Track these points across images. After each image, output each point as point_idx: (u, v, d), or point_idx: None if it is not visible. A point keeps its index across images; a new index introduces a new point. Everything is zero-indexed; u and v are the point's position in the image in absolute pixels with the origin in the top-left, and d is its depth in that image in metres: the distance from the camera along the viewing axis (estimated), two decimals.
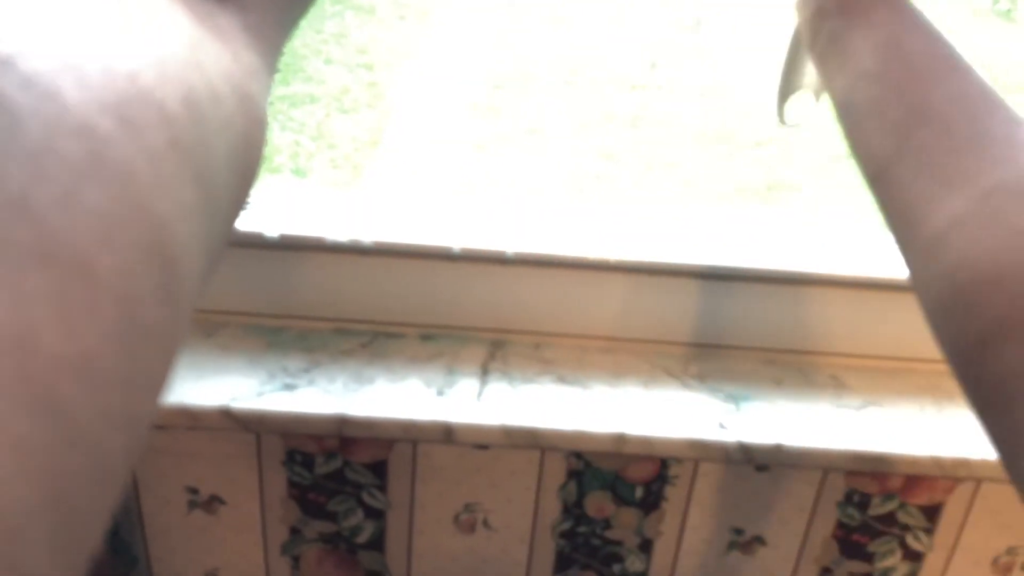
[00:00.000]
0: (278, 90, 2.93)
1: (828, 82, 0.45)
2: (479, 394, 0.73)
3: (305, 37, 3.24)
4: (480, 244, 0.77)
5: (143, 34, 0.22)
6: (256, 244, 0.76)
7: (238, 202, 0.27)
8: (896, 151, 0.38)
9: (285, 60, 3.14)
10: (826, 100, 0.49)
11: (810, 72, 0.55)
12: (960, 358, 0.35)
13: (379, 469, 0.75)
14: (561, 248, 0.77)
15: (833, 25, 0.44)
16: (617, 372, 0.77)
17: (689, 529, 0.78)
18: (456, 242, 0.76)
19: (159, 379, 0.21)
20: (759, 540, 0.79)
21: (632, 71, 2.94)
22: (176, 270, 0.21)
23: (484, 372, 0.76)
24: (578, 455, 0.75)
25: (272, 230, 0.75)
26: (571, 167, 2.55)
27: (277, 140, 2.66)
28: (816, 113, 0.58)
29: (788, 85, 0.56)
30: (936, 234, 0.36)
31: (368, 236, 0.76)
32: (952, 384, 0.79)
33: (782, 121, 0.57)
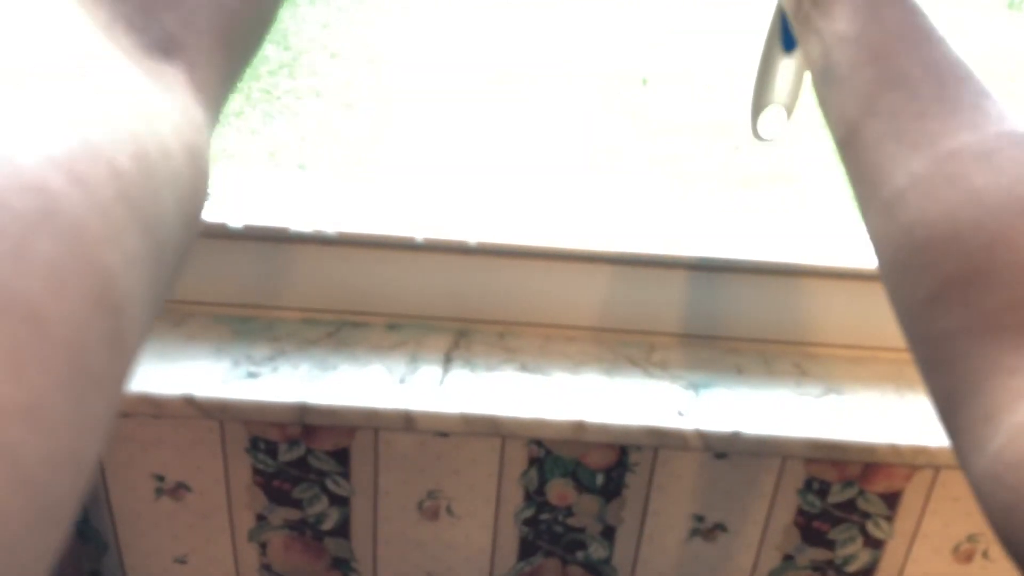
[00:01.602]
0: (283, 84, 2.95)
1: (807, 52, 0.45)
2: (441, 382, 0.74)
3: (311, 32, 3.25)
4: (445, 234, 0.77)
5: (96, 91, 0.23)
6: (222, 235, 0.77)
7: (183, 250, 0.27)
8: (866, 113, 0.39)
9: (290, 55, 3.15)
10: (796, 117, 0.49)
11: (781, 87, 0.56)
12: (910, 315, 0.36)
13: (342, 456, 0.76)
14: (524, 238, 0.77)
15: None
16: (580, 361, 0.78)
17: (651, 516, 0.79)
18: (420, 232, 0.77)
19: (104, 422, 0.21)
20: (721, 527, 0.79)
21: (635, 64, 2.94)
22: (123, 317, 0.21)
23: (447, 360, 0.77)
24: (538, 443, 0.76)
25: (236, 221, 0.76)
26: (570, 159, 2.55)
27: (282, 135, 2.67)
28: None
29: (760, 99, 0.56)
30: (896, 192, 0.36)
31: (332, 227, 0.76)
32: (913, 372, 0.79)
33: (756, 136, 0.58)
